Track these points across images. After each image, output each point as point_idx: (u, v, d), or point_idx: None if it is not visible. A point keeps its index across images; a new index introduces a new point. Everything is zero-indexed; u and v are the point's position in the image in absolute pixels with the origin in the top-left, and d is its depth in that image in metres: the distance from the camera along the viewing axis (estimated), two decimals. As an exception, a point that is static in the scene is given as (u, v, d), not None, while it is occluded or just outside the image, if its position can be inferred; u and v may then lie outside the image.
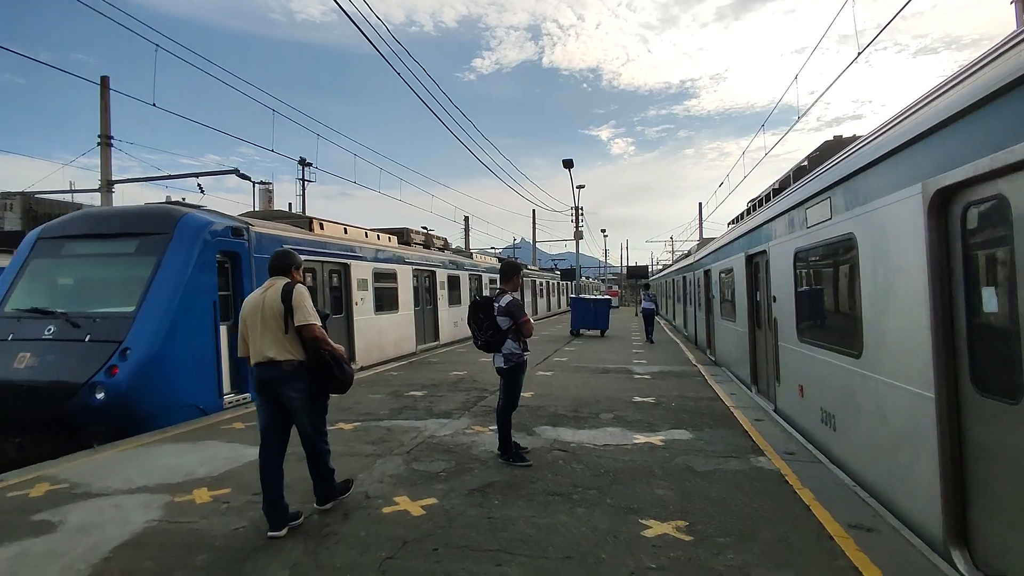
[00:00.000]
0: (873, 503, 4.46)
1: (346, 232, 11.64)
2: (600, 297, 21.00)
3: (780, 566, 3.54)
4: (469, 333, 8.78)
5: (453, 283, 17.04)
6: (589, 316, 20.30)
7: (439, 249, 17.33)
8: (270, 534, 4.03)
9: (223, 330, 7.45)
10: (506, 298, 5.66)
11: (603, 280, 53.12)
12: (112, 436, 6.12)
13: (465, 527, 4.09)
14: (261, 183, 22.08)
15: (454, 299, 17.12)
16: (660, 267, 49.22)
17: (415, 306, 14.03)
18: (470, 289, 18.76)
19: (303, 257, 9.70)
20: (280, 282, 4.28)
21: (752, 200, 10.87)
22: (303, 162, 36.61)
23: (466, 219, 54.18)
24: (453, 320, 16.75)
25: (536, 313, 30.80)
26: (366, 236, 12.43)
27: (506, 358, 5.61)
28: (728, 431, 6.90)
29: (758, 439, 6.63)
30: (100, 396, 6.02)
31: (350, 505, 4.54)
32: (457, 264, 17.79)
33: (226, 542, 3.95)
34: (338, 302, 10.78)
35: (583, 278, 78.65)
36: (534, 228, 54.60)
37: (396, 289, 12.58)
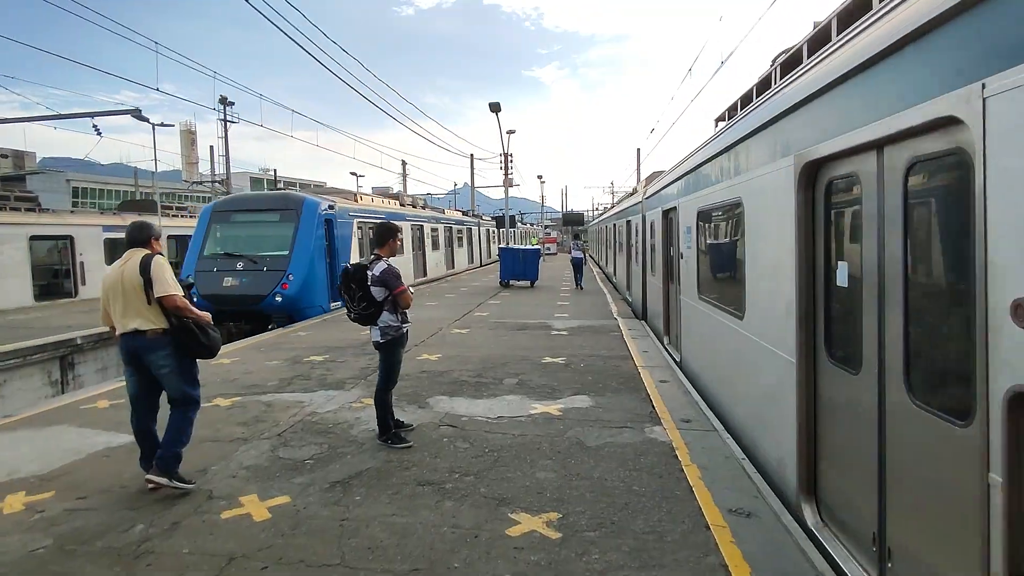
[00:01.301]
0: (757, 480, 4.31)
1: (372, 201, 19.03)
2: (528, 247, 20.71)
3: (645, 567, 3.27)
4: (447, 270, 16.58)
5: (434, 234, 23.98)
6: (518, 267, 20.13)
7: (422, 208, 24.59)
8: (149, 477, 4.24)
9: (325, 266, 13.81)
10: (380, 265, 5.08)
11: (545, 227, 52.58)
12: (285, 322, 12.10)
13: (309, 534, 3.64)
14: (161, 124, 20.28)
15: (435, 246, 24.10)
16: (599, 212, 49.11)
17: (412, 251, 21.03)
18: (444, 238, 25.50)
19: (360, 219, 16.48)
20: (138, 255, 4.25)
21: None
22: (224, 101, 34.00)
23: (403, 164, 52.74)
24: (435, 262, 23.89)
25: (472, 263, 31.26)
26: (383, 202, 20.11)
27: (382, 331, 5.10)
28: (630, 396, 6.73)
29: (658, 404, 6.41)
30: (279, 299, 12.17)
31: (185, 510, 3.98)
32: (435, 219, 24.58)
33: (12, 569, 3.32)
34: (436, 242, 21.22)
35: (525, 224, 78.71)
36: (472, 173, 53.49)
37: (402, 240, 17.42)
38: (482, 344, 9.65)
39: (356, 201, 18.11)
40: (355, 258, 16.90)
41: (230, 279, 13.49)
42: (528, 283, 20.18)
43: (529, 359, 8.53)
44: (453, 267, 26.38)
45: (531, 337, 10.21)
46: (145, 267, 4.16)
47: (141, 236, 4.32)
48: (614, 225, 19.36)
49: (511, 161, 26.22)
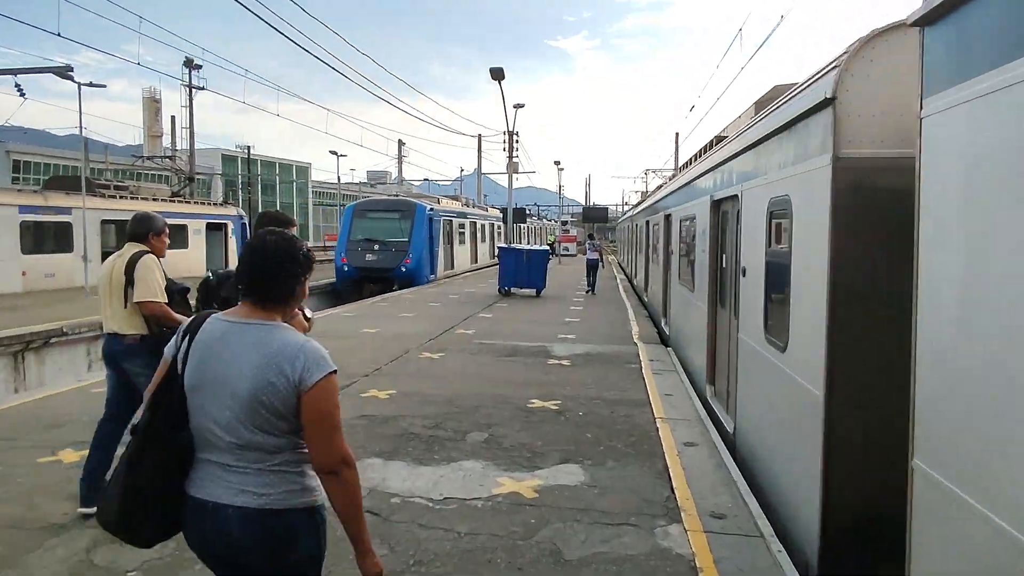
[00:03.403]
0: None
1: (448, 203, 31.65)
2: (534, 248, 20.62)
3: None
4: (491, 258, 35.69)
5: (484, 228, 36.72)
6: (522, 272, 19.87)
7: (470, 206, 36.13)
8: (81, 510, 4.42)
9: (428, 249, 25.14)
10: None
11: (563, 223, 51.58)
12: (403, 285, 23.30)
13: None
14: (90, 85, 19.37)
15: (485, 237, 36.72)
16: (632, 206, 48.00)
17: (470, 244, 33.01)
18: (489, 234, 37.70)
19: (455, 220, 29.47)
20: (131, 250, 4.48)
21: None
22: (189, 64, 33.11)
23: (399, 144, 52.21)
24: (484, 252, 36.07)
25: (476, 262, 34.27)
26: (451, 203, 32.70)
27: None
28: (640, 467, 5.66)
29: (679, 484, 5.24)
30: (403, 270, 23.71)
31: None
32: (484, 216, 36.82)
33: None
34: (463, 236, 31.26)
35: (541, 219, 78.29)
36: (479, 157, 52.72)
37: (475, 233, 33.89)
38: (454, 376, 8.97)
39: (439, 203, 29.89)
40: (442, 244, 27.48)
41: (370, 256, 23.90)
42: (533, 292, 20.07)
43: (511, 401, 7.71)
44: (476, 261, 34.22)
45: (521, 368, 9.55)
46: (131, 266, 4.37)
47: (139, 230, 4.52)
48: (646, 223, 18.20)
49: (518, 141, 25.28)
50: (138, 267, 4.38)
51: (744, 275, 5.81)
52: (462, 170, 78.68)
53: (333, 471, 2.17)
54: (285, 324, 2.29)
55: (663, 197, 14.18)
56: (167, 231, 4.68)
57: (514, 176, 26.95)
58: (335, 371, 2.21)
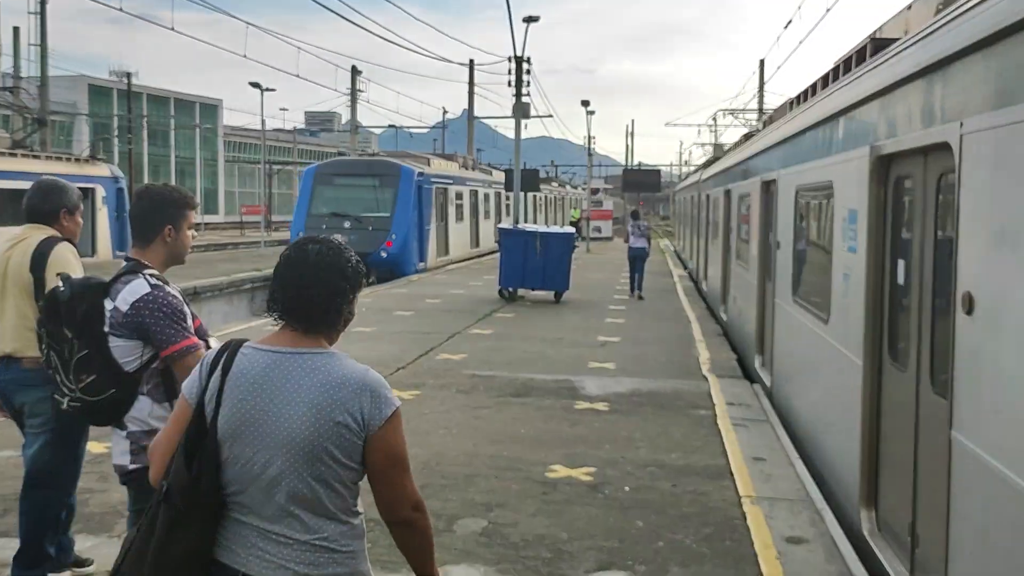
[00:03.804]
0: None
1: (441, 165, 33.80)
2: (552, 230, 21.10)
3: None
4: (471, 248, 37.07)
5: (490, 199, 39.85)
6: (534, 265, 20.02)
7: (472, 169, 39.99)
8: None
9: (417, 229, 28.21)
10: (137, 286, 3.91)
11: (592, 191, 51.53)
12: (383, 278, 24.93)
13: None
14: None
15: (490, 212, 39.91)
16: (693, 169, 47.71)
17: (469, 220, 35.69)
18: (495, 206, 41.03)
19: (452, 188, 33.00)
20: (36, 235, 4.67)
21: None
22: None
23: (353, 74, 52.26)
24: (489, 232, 37.65)
25: (477, 246, 36.67)
26: (447, 166, 35.22)
27: (133, 445, 3.89)
28: None
29: None
30: (384, 256, 25.78)
31: None
32: (489, 182, 40.18)
33: None
34: (460, 210, 34.25)
35: (564, 185, 78.50)
36: (471, 93, 53.00)
37: (477, 206, 37.48)
38: (435, 427, 9.03)
39: (429, 165, 31.42)
40: (434, 221, 30.16)
41: (338, 237, 24.78)
42: (551, 295, 20.49)
43: (521, 468, 7.72)
44: (478, 245, 36.77)
45: (535, 415, 9.62)
46: (39, 260, 4.55)
47: (46, 205, 4.72)
48: (725, 194, 17.90)
49: (528, 71, 25.15)
50: (52, 261, 4.54)
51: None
52: (445, 113, 79.00)
53: (406, 520, 2.73)
54: (340, 353, 2.73)
55: (750, 157, 14.05)
56: (82, 207, 4.96)
57: (523, 123, 26.90)
58: (399, 406, 2.68)
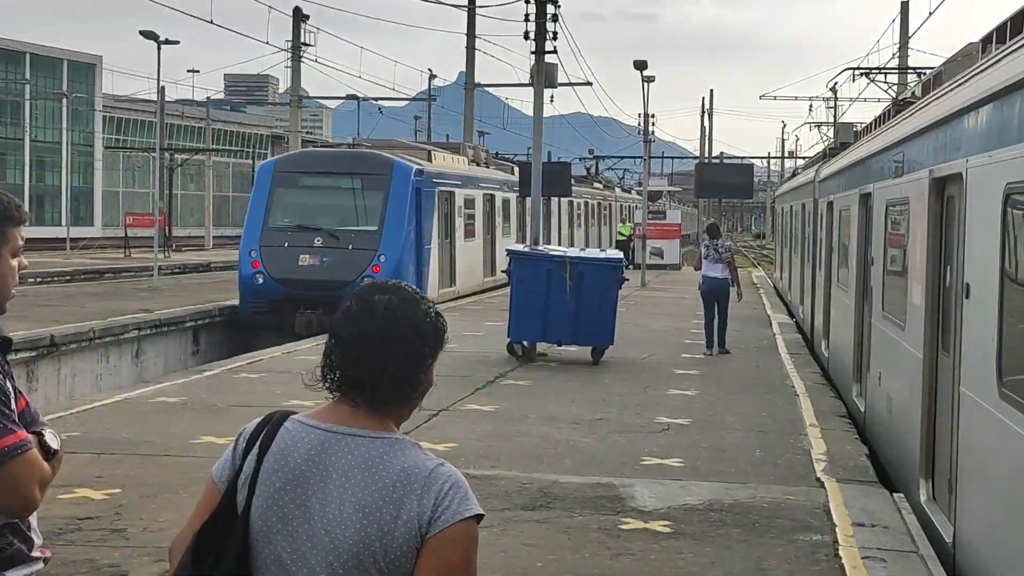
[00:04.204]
0: None
1: (447, 158, 37.36)
2: (589, 254, 21.86)
3: None
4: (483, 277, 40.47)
5: (510, 207, 42.40)
6: (559, 308, 20.22)
7: (487, 166, 42.94)
8: None
9: (414, 248, 31.33)
10: None
11: (648, 198, 51.42)
12: None
13: None
14: None
15: (511, 226, 42.56)
16: (804, 163, 47.33)
17: (484, 236, 38.86)
18: (517, 217, 43.68)
19: (460, 193, 36.12)
20: None
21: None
22: None
23: (297, 20, 52.63)
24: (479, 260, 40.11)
25: (493, 274, 38.57)
26: (452, 160, 37.67)
27: None
28: None
29: None
30: None
31: None
32: (509, 184, 41.98)
33: None
34: (471, 223, 37.66)
35: (607, 185, 78.54)
36: (471, 47, 53.40)
37: (493, 216, 40.96)
38: None
39: (431, 159, 34.03)
40: (436, 238, 32.68)
41: (307, 258, 27.76)
42: (587, 352, 20.85)
43: None
44: (494, 273, 39.02)
45: (560, 539, 9.65)
46: None
47: None
48: (862, 201, 17.00)
49: (555, 17, 25.17)
50: None
51: None
52: (433, 78, 79.36)
53: None
54: (407, 438, 2.97)
55: (928, 131, 12.74)
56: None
57: (548, 94, 26.77)
58: (481, 516, 2.85)
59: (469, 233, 35.45)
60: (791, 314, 33.07)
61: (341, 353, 2.90)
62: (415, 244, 29.70)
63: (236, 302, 29.87)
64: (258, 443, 2.93)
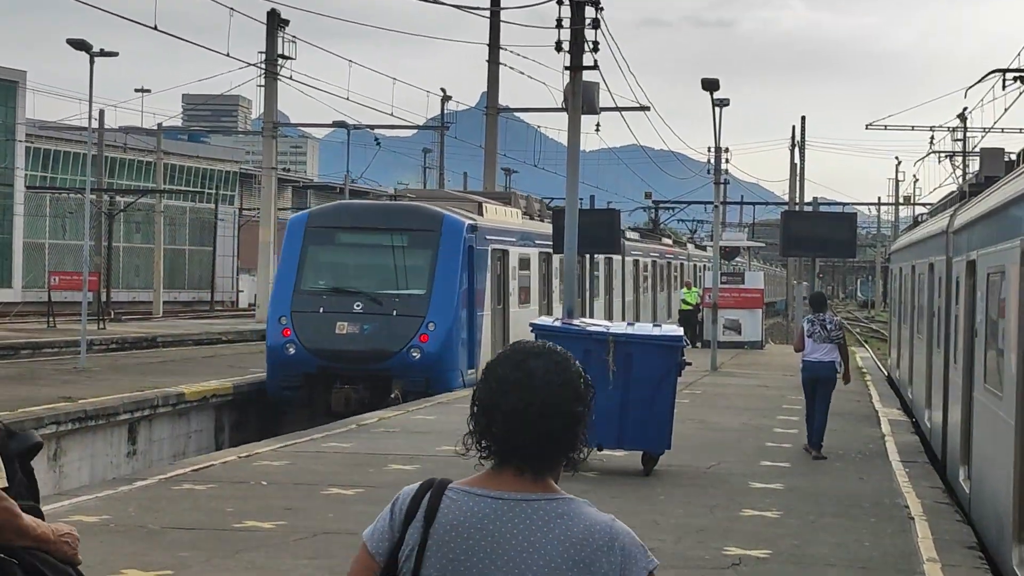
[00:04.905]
0: None
1: (500, 210, 41.85)
2: (638, 330, 21.96)
3: None
4: None
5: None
6: (598, 403, 18.90)
7: (541, 219, 46.04)
8: None
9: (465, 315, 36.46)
10: None
11: (728, 254, 51.23)
12: (411, 394, 32.68)
13: None
14: None
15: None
16: (931, 209, 47.14)
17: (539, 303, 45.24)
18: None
19: (514, 251, 40.82)
20: None
21: None
22: None
23: (271, 23, 53.02)
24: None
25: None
26: (506, 214, 42.61)
27: None
28: None
29: None
30: (416, 356, 32.85)
31: None
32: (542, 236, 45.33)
33: None
34: (527, 286, 42.81)
35: (669, 239, 78.62)
36: (495, 61, 53.78)
37: (549, 278, 45.99)
38: None
39: (482, 213, 36.97)
40: (489, 304, 36.35)
41: (345, 325, 30.80)
42: (637, 458, 21.19)
43: None
44: None
45: None
46: None
47: None
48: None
49: (597, 20, 25.28)
50: None
51: None
52: (446, 99, 79.66)
53: None
54: (575, 497, 3.61)
55: None
56: None
57: (588, 121, 26.67)
58: (657, 566, 3.60)
59: (524, 298, 38.40)
60: (906, 408, 32.82)
61: (503, 423, 3.40)
62: (468, 310, 32.48)
63: (183, 389, 30.45)
64: (421, 513, 3.47)
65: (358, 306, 30.83)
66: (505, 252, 37.16)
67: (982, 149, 30.01)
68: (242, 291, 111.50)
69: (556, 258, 40.24)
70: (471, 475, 3.59)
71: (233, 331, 57.96)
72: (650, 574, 3.45)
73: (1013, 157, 21.75)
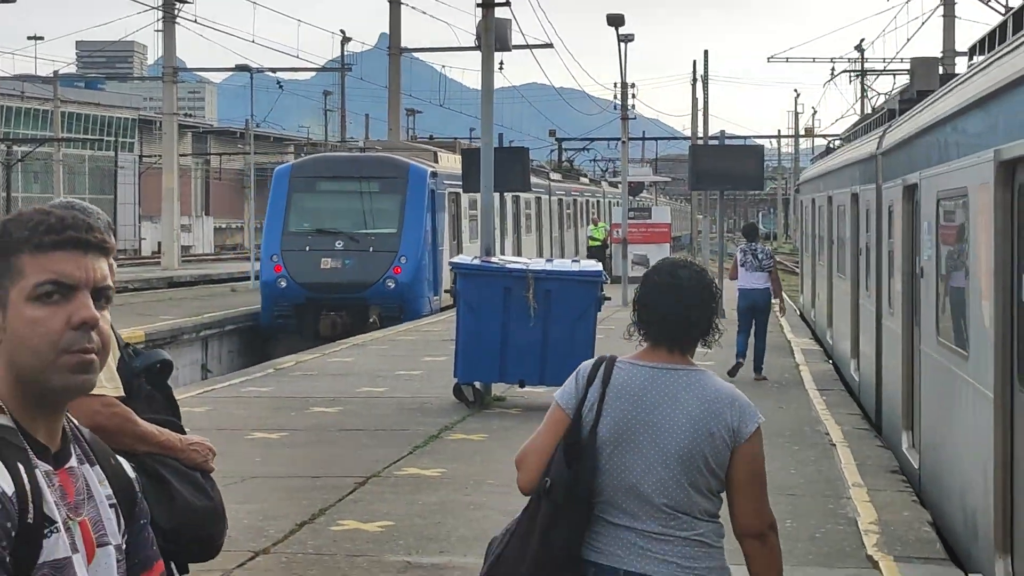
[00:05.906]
0: None
1: (451, 158, 51.39)
2: (556, 266, 22.15)
3: None
4: None
5: (531, 204, 63.61)
6: (522, 337, 20.46)
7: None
8: None
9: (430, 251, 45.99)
10: None
11: (634, 190, 51.22)
12: (385, 319, 41.54)
13: None
14: None
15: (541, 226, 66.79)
16: (843, 133, 47.06)
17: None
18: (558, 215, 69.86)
19: (451, 188, 46.88)
20: None
21: None
22: None
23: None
24: None
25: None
26: (448, 159, 52.84)
27: None
28: None
29: None
30: (391, 285, 41.59)
31: None
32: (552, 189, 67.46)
33: None
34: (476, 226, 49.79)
35: (575, 173, 78.55)
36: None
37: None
38: None
39: (437, 161, 43.57)
40: (447, 241, 43.78)
41: (329, 261, 37.44)
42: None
43: None
44: None
45: None
46: None
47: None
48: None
49: None
50: None
51: None
52: (346, 40, 78.99)
53: (761, 534, 5.47)
54: (707, 370, 5.62)
55: None
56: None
57: (498, 58, 26.60)
58: (763, 421, 5.47)
59: (474, 235, 42.56)
60: (816, 339, 33.08)
61: (660, 315, 5.26)
62: (432, 245, 38.53)
63: None
64: (599, 378, 5.25)
65: (339, 244, 36.75)
66: (457, 195, 42.65)
67: (912, 59, 28.23)
68: (144, 239, 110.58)
69: (498, 197, 42.06)
70: (632, 352, 5.39)
71: (139, 279, 57.23)
72: (758, 427, 5.19)
73: (949, 70, 20.75)
